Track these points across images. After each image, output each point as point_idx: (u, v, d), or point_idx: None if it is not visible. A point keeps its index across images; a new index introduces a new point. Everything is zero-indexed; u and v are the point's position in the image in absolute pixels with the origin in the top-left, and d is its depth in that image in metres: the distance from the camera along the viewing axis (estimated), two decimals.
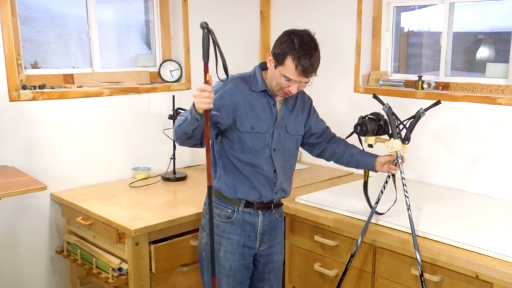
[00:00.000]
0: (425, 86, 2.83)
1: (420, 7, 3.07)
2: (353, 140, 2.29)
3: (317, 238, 2.42)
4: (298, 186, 2.83)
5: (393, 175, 2.21)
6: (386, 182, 2.21)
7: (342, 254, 2.35)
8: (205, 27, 1.77)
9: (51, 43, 2.94)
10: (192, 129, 1.88)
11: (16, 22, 2.64)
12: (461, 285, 1.94)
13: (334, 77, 3.23)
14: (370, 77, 3.10)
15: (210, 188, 1.93)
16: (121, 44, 3.27)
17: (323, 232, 2.41)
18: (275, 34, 3.57)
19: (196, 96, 1.81)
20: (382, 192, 2.20)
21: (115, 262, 2.39)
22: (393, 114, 2.16)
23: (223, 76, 1.83)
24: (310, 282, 2.51)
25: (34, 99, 2.65)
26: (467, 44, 2.93)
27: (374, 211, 2.20)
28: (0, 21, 2.51)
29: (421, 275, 2.00)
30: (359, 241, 2.18)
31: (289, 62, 1.94)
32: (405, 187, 2.12)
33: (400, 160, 2.13)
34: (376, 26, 3.08)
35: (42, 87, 2.70)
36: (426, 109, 2.14)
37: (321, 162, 3.36)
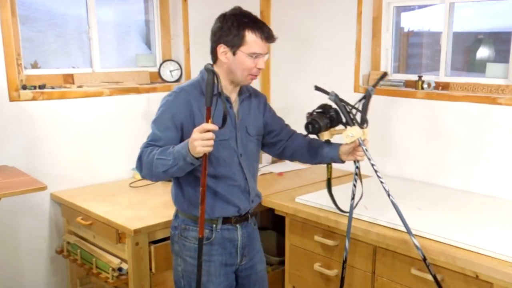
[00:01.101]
0: (425, 86, 2.83)
1: (420, 7, 3.07)
2: None
3: (317, 238, 2.42)
4: (298, 186, 2.83)
5: (358, 162, 2.09)
6: (356, 174, 2.10)
7: (342, 254, 2.35)
8: (211, 69, 1.69)
9: (51, 43, 2.94)
10: (183, 173, 1.81)
11: (16, 22, 2.64)
12: (461, 285, 1.94)
13: (334, 77, 3.23)
14: (370, 77, 3.10)
15: (201, 240, 1.82)
16: (121, 44, 3.27)
17: (323, 232, 2.40)
18: (275, 34, 3.57)
19: (196, 139, 1.68)
20: (354, 185, 2.10)
21: (115, 262, 2.39)
22: (342, 100, 2.01)
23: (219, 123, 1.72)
24: (310, 282, 2.51)
25: (34, 99, 2.65)
26: (467, 44, 2.93)
27: (340, 209, 2.16)
28: (0, 21, 2.51)
29: (424, 259, 1.92)
30: (347, 244, 2.09)
31: (251, 36, 1.83)
32: (378, 173, 2.00)
33: (364, 147, 2.00)
34: (376, 26, 3.08)
35: (42, 87, 2.70)
36: (374, 85, 2.05)
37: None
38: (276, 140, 2.18)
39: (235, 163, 1.98)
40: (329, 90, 2.01)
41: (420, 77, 2.86)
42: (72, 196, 2.68)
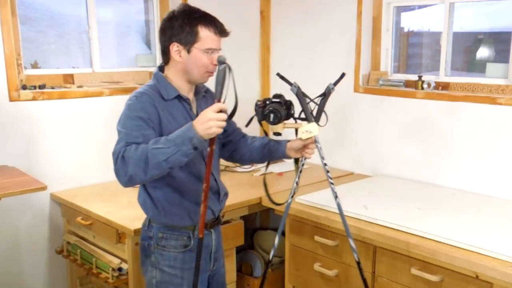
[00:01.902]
0: (425, 86, 2.83)
1: (420, 7, 3.07)
2: (252, 130, 2.05)
3: (317, 238, 2.42)
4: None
5: (298, 159, 2.03)
6: (301, 171, 2.07)
7: (342, 254, 2.35)
8: (224, 61, 1.65)
9: (51, 43, 2.94)
10: (184, 162, 1.65)
11: (16, 22, 2.64)
12: (461, 285, 1.94)
13: (334, 77, 3.22)
14: (370, 77, 3.10)
15: (201, 241, 1.75)
16: (121, 44, 3.27)
17: (323, 232, 2.40)
18: (275, 34, 3.59)
19: (212, 119, 1.60)
20: (297, 183, 2.08)
21: (115, 262, 2.39)
22: (304, 94, 1.94)
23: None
24: (310, 282, 2.51)
25: (34, 99, 2.65)
26: (467, 44, 2.93)
27: (273, 201, 2.12)
28: (0, 21, 2.51)
29: (358, 262, 2.03)
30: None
31: (204, 31, 1.75)
32: (328, 173, 1.99)
33: (319, 145, 1.94)
34: (376, 26, 3.08)
35: (42, 87, 2.70)
36: (335, 83, 1.99)
37: (321, 162, 3.37)
38: (227, 140, 2.08)
39: (203, 164, 1.86)
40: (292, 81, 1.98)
41: (420, 77, 2.86)
42: (72, 196, 2.68)
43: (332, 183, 2.01)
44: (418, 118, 2.85)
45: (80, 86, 2.87)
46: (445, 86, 2.81)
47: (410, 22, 3.15)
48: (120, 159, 1.68)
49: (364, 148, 3.13)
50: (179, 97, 1.83)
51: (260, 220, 3.54)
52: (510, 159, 2.53)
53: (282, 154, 2.01)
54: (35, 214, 2.74)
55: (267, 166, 2.14)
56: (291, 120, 1.99)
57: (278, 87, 3.57)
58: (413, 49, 3.23)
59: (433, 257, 1.98)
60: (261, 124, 2.00)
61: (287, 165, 3.34)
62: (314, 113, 2.01)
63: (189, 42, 1.76)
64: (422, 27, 3.17)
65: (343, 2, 3.12)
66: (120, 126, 1.77)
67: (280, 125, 1.93)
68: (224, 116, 1.62)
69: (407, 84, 2.97)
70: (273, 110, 1.91)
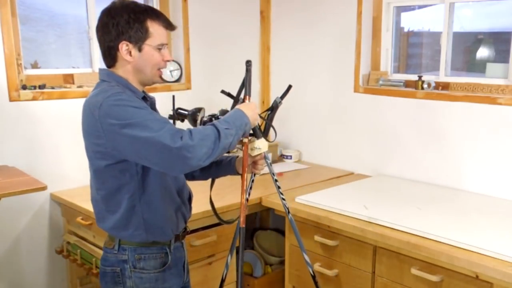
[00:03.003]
0: (425, 86, 2.83)
1: (420, 7, 3.07)
2: None
3: (317, 238, 2.42)
4: (298, 186, 2.83)
5: (254, 175, 2.03)
6: (251, 188, 2.13)
7: (342, 254, 2.35)
8: (251, 64, 1.77)
9: (51, 43, 2.94)
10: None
11: (16, 22, 2.64)
12: (461, 285, 1.94)
13: (334, 77, 3.23)
14: (370, 77, 3.10)
15: (243, 229, 1.74)
16: None
17: (323, 232, 2.41)
18: (275, 34, 3.59)
19: (256, 109, 1.69)
20: (247, 199, 2.09)
21: None
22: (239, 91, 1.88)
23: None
24: (310, 282, 2.51)
25: (34, 99, 2.65)
26: (467, 44, 2.93)
27: (222, 220, 2.04)
28: (0, 21, 2.51)
29: (313, 276, 2.13)
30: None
31: (154, 26, 1.62)
32: (279, 189, 2.10)
33: (269, 161, 1.95)
34: (376, 26, 3.08)
35: (42, 87, 2.70)
36: (282, 97, 1.95)
37: (321, 162, 3.39)
38: None
39: None
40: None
41: (420, 77, 2.86)
42: (72, 196, 2.68)
43: (283, 199, 2.13)
44: (418, 118, 2.85)
45: (80, 86, 2.87)
46: (445, 86, 2.81)
47: (410, 22, 3.15)
48: (196, 135, 1.51)
49: (364, 148, 3.13)
50: (144, 98, 1.70)
51: (260, 220, 3.54)
52: (510, 159, 2.53)
53: (232, 170, 1.94)
54: (35, 214, 2.74)
55: (212, 183, 1.99)
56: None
57: (278, 87, 3.58)
58: (413, 49, 3.23)
59: (433, 257, 1.98)
60: None
61: (287, 165, 3.34)
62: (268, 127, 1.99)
63: (139, 39, 1.60)
64: (422, 27, 3.18)
65: (343, 2, 3.12)
66: (134, 118, 1.52)
67: None
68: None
69: (407, 84, 2.97)
70: None
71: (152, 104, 1.75)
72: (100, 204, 1.77)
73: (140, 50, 1.62)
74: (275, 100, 1.95)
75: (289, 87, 1.99)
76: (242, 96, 1.78)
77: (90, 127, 1.60)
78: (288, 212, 2.15)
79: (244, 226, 1.79)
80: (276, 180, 2.08)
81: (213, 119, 1.78)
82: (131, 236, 1.70)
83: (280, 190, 2.12)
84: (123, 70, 1.65)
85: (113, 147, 1.57)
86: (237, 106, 1.73)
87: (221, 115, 1.78)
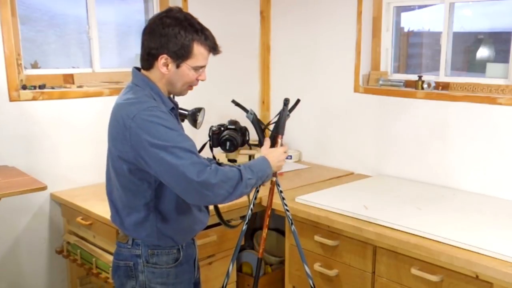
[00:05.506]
0: (425, 86, 2.83)
1: (420, 7, 3.07)
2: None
3: (317, 238, 2.42)
4: (298, 186, 2.83)
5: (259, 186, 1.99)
6: (255, 197, 2.14)
7: (342, 254, 2.35)
8: (287, 103, 1.85)
9: (51, 43, 2.94)
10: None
11: (16, 22, 2.64)
12: (461, 285, 1.94)
13: (334, 77, 3.23)
14: (370, 77, 3.10)
15: (260, 261, 1.87)
16: (121, 44, 3.27)
17: (323, 232, 2.41)
18: (275, 34, 3.58)
19: (283, 159, 1.79)
20: (251, 209, 2.14)
21: None
22: (259, 120, 1.95)
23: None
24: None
25: (34, 99, 2.65)
26: (467, 44, 2.93)
27: (228, 225, 2.10)
28: (0, 21, 2.51)
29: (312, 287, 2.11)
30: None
31: (199, 49, 1.64)
32: (284, 200, 2.12)
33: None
34: (376, 26, 3.08)
35: (42, 87, 2.70)
36: (290, 110, 1.97)
37: (321, 162, 3.38)
38: None
39: None
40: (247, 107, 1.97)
41: (420, 77, 2.86)
42: (72, 196, 2.68)
43: (287, 210, 2.15)
44: (418, 118, 2.85)
45: (80, 86, 2.87)
46: (445, 86, 2.81)
47: (410, 22, 3.15)
48: (220, 175, 1.56)
49: (364, 148, 3.13)
50: (174, 109, 1.75)
51: (260, 220, 3.54)
52: (510, 159, 2.53)
53: None
54: (35, 214, 2.74)
55: None
56: (245, 147, 1.98)
57: (278, 87, 3.58)
58: (413, 49, 3.23)
59: (433, 257, 1.98)
60: (212, 151, 1.94)
61: (287, 165, 3.34)
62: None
63: (180, 57, 1.63)
64: (422, 27, 3.18)
65: (343, 2, 3.12)
66: (165, 140, 1.55)
67: (235, 152, 1.92)
68: (287, 154, 1.81)
69: (407, 84, 2.97)
70: (229, 138, 1.88)
71: (176, 114, 1.77)
72: (117, 202, 1.78)
73: (178, 67, 1.65)
74: (280, 113, 1.95)
75: (297, 101, 2.02)
76: (273, 130, 1.87)
77: (119, 134, 1.62)
78: (289, 216, 2.13)
79: (262, 257, 1.96)
80: (281, 191, 2.09)
81: (222, 128, 1.88)
82: (143, 239, 1.75)
83: (280, 189, 2.11)
84: (155, 76, 1.68)
85: (136, 156, 1.60)
86: (264, 152, 1.80)
87: (230, 125, 1.87)
